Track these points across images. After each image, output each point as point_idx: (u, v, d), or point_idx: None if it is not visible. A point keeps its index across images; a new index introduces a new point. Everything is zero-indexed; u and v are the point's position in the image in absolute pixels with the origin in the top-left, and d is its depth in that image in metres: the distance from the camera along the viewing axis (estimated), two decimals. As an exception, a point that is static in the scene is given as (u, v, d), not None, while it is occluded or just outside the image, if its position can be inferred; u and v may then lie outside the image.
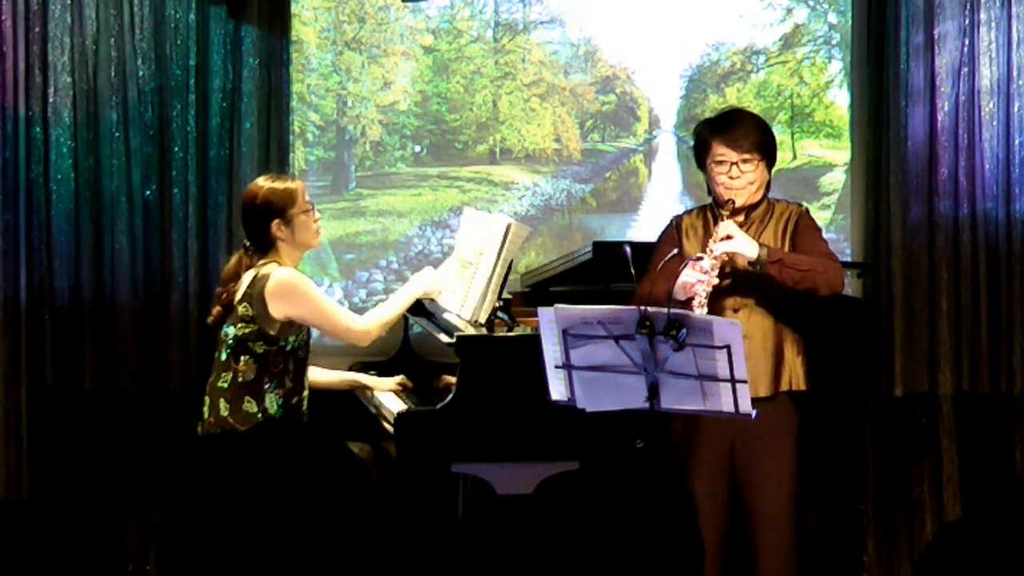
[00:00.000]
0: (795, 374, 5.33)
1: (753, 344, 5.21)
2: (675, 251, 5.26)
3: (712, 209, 5.39)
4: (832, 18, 7.05)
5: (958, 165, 6.71)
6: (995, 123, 6.69)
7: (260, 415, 5.47)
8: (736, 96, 7.02)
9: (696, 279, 5.08)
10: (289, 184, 5.57)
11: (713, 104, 7.00)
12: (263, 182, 5.58)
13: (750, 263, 5.15)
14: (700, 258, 5.12)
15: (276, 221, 5.52)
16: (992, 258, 6.72)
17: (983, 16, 6.68)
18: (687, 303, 5.03)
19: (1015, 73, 6.68)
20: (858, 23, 6.90)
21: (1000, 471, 6.75)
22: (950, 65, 6.70)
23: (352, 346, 5.61)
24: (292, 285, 5.46)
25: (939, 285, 6.74)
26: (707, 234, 5.30)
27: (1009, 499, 6.72)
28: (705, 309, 5.02)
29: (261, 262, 5.54)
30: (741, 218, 5.33)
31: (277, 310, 5.44)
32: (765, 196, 5.40)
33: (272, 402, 5.49)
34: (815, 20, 7.05)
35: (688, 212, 5.55)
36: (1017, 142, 6.69)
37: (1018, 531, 6.53)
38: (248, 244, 5.58)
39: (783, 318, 5.30)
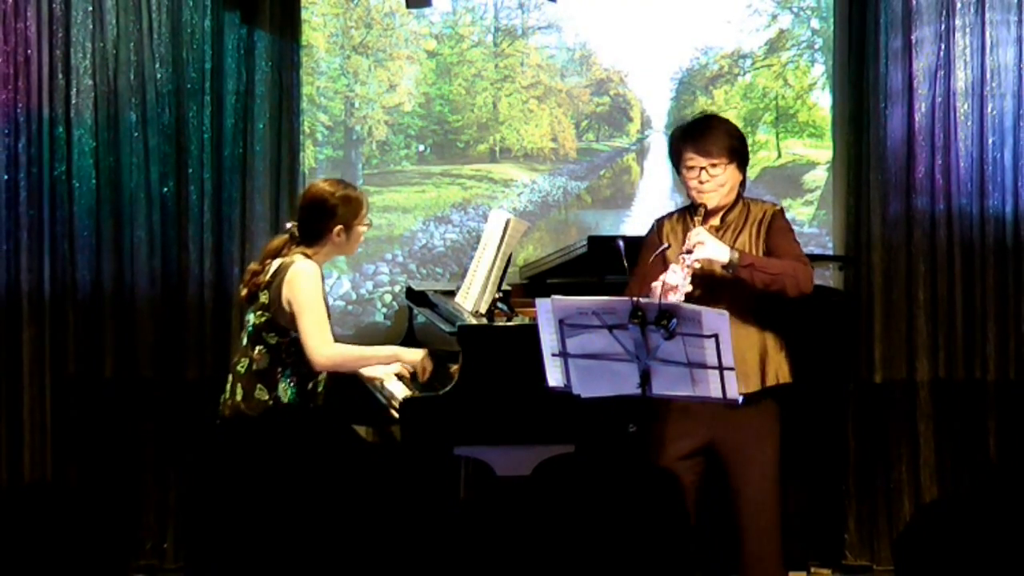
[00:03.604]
0: (780, 369, 5.32)
1: (737, 344, 5.20)
2: (666, 245, 5.27)
3: (690, 212, 5.38)
4: (815, 24, 7.06)
5: (934, 163, 6.73)
6: (970, 123, 6.71)
7: (271, 403, 5.48)
8: (724, 98, 7.03)
9: (670, 288, 5.06)
10: (360, 196, 5.59)
11: (702, 105, 7.00)
12: (335, 187, 5.58)
13: (723, 266, 5.15)
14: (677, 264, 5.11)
15: (339, 227, 5.53)
16: (967, 252, 6.74)
17: (958, 22, 6.69)
18: None
19: (988, 76, 6.70)
20: (839, 28, 6.91)
21: (974, 454, 6.77)
22: (927, 68, 6.71)
23: (308, 355, 5.51)
24: (304, 275, 5.45)
25: (916, 277, 6.76)
26: (685, 237, 5.29)
27: (983, 481, 6.74)
28: None
29: (297, 250, 5.54)
30: (718, 221, 5.31)
31: (285, 296, 5.45)
32: (740, 196, 5.39)
33: (285, 390, 5.49)
34: (799, 26, 7.06)
35: (668, 216, 5.50)
36: (990, 142, 6.71)
37: (991, 511, 6.55)
38: (296, 233, 5.59)
39: (762, 316, 5.29)
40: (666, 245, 5.28)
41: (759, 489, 5.35)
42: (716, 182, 5.27)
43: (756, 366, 5.28)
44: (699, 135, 5.29)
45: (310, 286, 5.45)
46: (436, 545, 6.24)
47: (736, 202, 5.35)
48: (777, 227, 5.33)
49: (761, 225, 5.33)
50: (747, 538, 5.38)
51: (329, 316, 5.57)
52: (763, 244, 5.30)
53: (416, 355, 5.68)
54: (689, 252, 5.09)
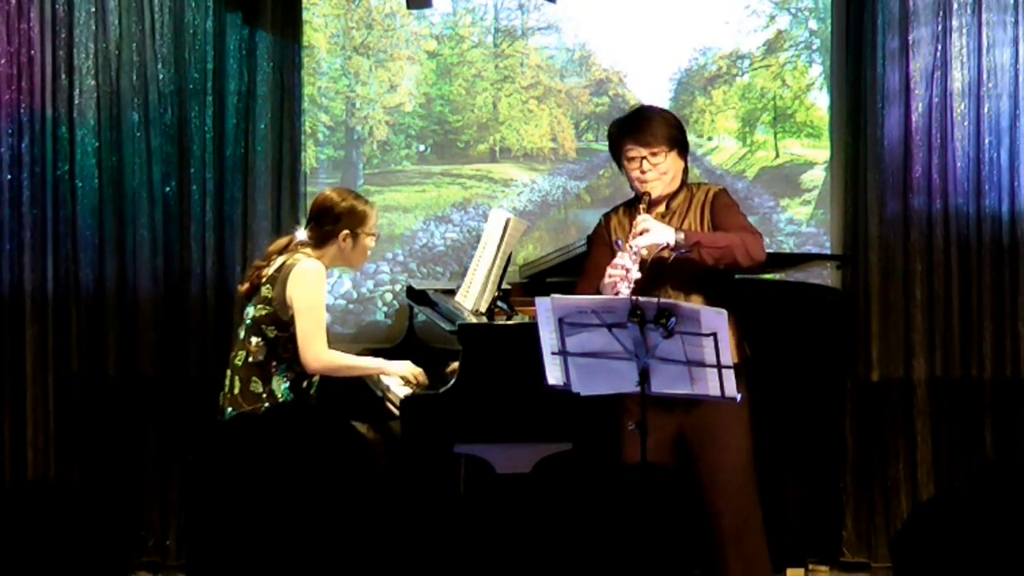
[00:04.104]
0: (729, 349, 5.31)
1: None
2: (618, 240, 5.27)
3: (636, 204, 5.40)
4: (813, 24, 7.06)
5: (931, 163, 6.72)
6: (966, 124, 6.71)
7: (265, 395, 5.50)
8: (722, 98, 7.03)
9: (618, 276, 5.09)
10: (368, 208, 5.66)
11: (701, 105, 7.01)
12: (345, 195, 5.68)
13: (671, 248, 5.16)
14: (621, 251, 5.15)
15: (346, 232, 5.59)
16: (963, 251, 6.74)
17: (955, 23, 6.69)
18: None
19: (985, 76, 6.70)
20: (837, 29, 6.91)
21: (971, 451, 6.77)
22: (924, 69, 6.71)
23: (302, 357, 5.54)
24: (308, 274, 5.49)
25: (913, 276, 6.75)
26: (631, 229, 5.30)
27: (979, 478, 6.73)
28: None
29: (304, 250, 5.59)
30: (663, 208, 5.35)
31: (289, 292, 5.48)
32: (684, 183, 5.41)
33: (279, 384, 5.51)
34: (797, 26, 7.06)
35: (615, 210, 5.54)
36: (986, 141, 6.70)
37: (988, 508, 6.54)
38: (302, 237, 5.64)
39: (709, 297, 5.26)
40: (618, 240, 5.29)
41: (733, 473, 5.34)
42: (658, 171, 5.31)
43: None
44: (636, 126, 5.33)
45: (313, 287, 5.48)
46: (436, 542, 6.24)
47: (680, 189, 5.38)
48: (720, 204, 5.37)
49: (705, 206, 5.36)
50: (726, 523, 5.36)
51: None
52: (709, 224, 5.32)
53: (400, 368, 5.69)
54: (636, 237, 5.13)
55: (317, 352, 5.49)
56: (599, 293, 5.15)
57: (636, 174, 5.33)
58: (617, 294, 5.06)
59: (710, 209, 5.35)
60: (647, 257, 5.17)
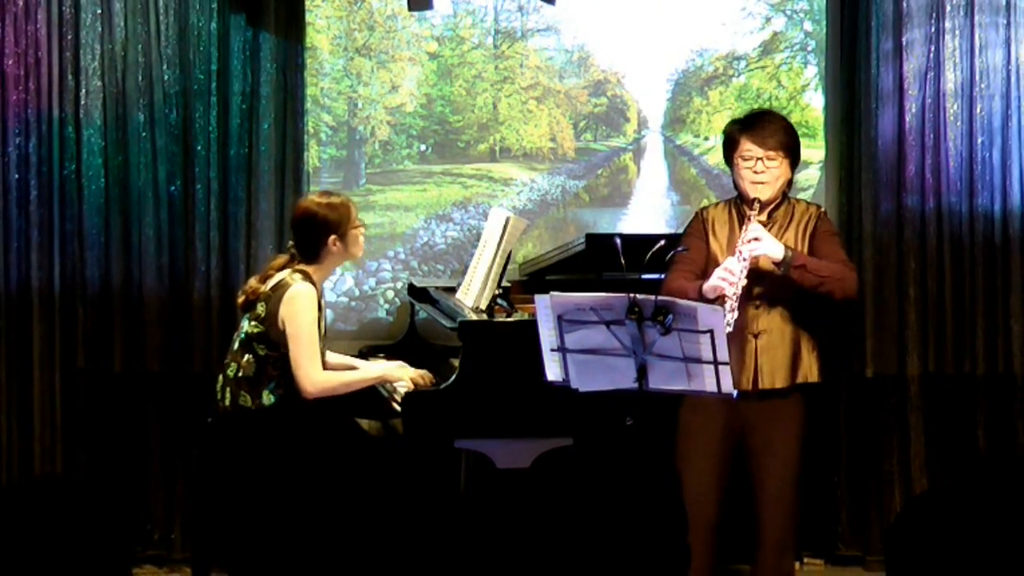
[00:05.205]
0: (809, 369, 5.33)
1: (771, 339, 5.23)
2: (682, 248, 5.27)
3: (736, 204, 5.39)
4: (808, 26, 7.07)
5: (925, 163, 6.74)
6: (959, 124, 6.72)
7: (255, 409, 5.53)
8: (719, 99, 7.04)
9: (726, 281, 5.08)
10: (344, 201, 5.65)
11: (697, 106, 7.02)
12: (319, 199, 5.66)
13: (775, 263, 5.16)
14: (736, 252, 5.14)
15: (332, 237, 5.59)
16: (956, 249, 6.75)
17: (948, 24, 6.70)
18: (717, 302, 5.03)
19: (977, 77, 6.71)
20: (832, 31, 6.92)
21: (963, 446, 6.78)
22: (917, 70, 6.72)
23: (297, 382, 5.58)
24: (301, 298, 5.51)
25: (907, 274, 6.76)
26: (732, 229, 5.30)
27: (971, 473, 6.75)
28: (735, 314, 5.02)
29: (300, 267, 5.59)
30: (764, 216, 5.32)
31: (281, 314, 5.50)
32: (787, 195, 5.41)
33: (268, 397, 5.53)
34: (792, 28, 7.07)
35: (714, 205, 5.52)
36: (979, 141, 6.71)
37: (980, 502, 6.55)
38: (295, 252, 5.65)
39: (800, 316, 5.30)
40: (682, 248, 5.28)
41: (779, 482, 5.35)
42: (771, 174, 5.27)
43: (787, 363, 5.28)
44: (757, 126, 5.31)
45: (305, 312, 5.49)
46: (437, 536, 6.26)
47: (782, 200, 5.37)
48: (823, 230, 5.35)
49: (807, 226, 5.33)
50: (764, 527, 5.39)
51: (324, 336, 5.62)
52: (807, 244, 5.30)
53: (403, 373, 5.70)
54: (746, 244, 5.12)
55: (312, 377, 5.50)
56: (698, 293, 5.14)
57: (749, 174, 5.28)
58: (722, 297, 5.06)
59: (812, 231, 5.34)
60: (752, 263, 5.15)
